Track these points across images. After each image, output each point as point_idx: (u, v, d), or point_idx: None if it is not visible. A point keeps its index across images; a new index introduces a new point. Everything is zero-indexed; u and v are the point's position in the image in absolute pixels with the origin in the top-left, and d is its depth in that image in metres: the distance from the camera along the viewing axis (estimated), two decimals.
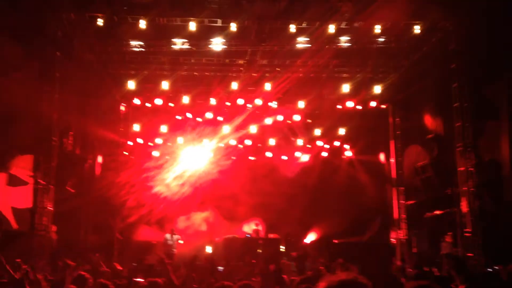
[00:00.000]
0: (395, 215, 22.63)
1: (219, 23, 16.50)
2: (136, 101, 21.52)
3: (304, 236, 23.90)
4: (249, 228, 22.92)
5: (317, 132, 23.68)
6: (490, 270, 13.81)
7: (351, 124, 23.12)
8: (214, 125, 23.53)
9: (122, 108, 22.83)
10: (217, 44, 17.74)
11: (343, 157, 25.07)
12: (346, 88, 20.81)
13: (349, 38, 17.63)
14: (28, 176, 17.34)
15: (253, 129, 23.12)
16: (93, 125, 20.84)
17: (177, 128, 23.48)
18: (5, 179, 17.06)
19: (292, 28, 16.71)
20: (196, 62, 19.52)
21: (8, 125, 16.88)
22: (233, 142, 24.17)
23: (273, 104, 22.55)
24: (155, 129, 23.48)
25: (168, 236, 20.23)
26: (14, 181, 17.23)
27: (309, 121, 23.45)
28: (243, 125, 23.42)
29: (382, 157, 24.03)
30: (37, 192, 15.84)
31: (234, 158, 24.52)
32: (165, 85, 20.33)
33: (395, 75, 20.59)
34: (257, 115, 23.35)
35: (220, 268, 13.14)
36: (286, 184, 23.86)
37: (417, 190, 21.92)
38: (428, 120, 20.84)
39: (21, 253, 15.12)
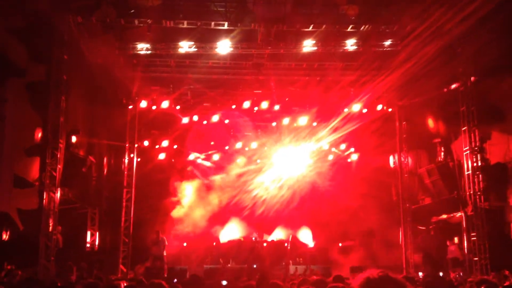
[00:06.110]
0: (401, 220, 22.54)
1: (226, 26, 16.53)
2: (143, 103, 21.56)
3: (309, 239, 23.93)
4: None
5: (323, 135, 23.65)
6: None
7: (357, 128, 23.04)
8: (221, 128, 23.63)
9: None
10: (224, 47, 17.78)
11: (349, 160, 25.07)
12: (352, 91, 20.79)
13: (355, 41, 17.62)
14: (34, 178, 17.40)
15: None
16: (100, 128, 20.88)
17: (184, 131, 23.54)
18: (11, 180, 17.12)
19: (299, 31, 16.75)
20: (202, 65, 19.56)
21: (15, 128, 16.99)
22: (239, 145, 24.26)
23: (278, 107, 22.54)
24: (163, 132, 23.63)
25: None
26: (20, 182, 17.28)
27: (315, 124, 23.41)
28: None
29: (389, 160, 23.97)
30: (43, 194, 15.86)
31: (239, 160, 24.58)
32: (171, 88, 20.39)
33: (401, 79, 20.53)
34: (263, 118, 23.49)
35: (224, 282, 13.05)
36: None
37: (423, 194, 21.87)
38: (435, 124, 20.80)
39: (29, 254, 15.27)
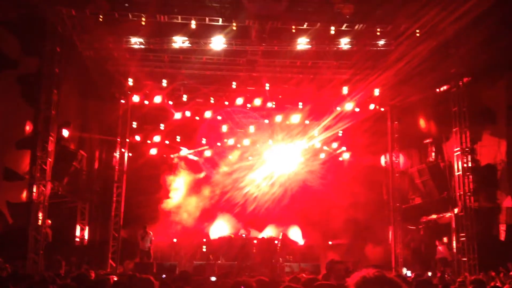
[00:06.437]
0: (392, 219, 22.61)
1: (220, 22, 16.48)
2: (135, 98, 21.45)
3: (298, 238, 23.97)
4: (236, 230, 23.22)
5: (315, 133, 23.67)
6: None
7: (349, 126, 23.10)
8: (213, 125, 23.56)
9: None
10: (218, 43, 17.71)
11: (340, 158, 25.11)
12: (345, 90, 20.84)
13: (349, 40, 17.62)
14: (25, 171, 17.29)
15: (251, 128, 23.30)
16: (92, 121, 20.75)
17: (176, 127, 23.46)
18: (1, 173, 17.00)
19: (293, 28, 16.73)
20: (196, 60, 19.49)
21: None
22: (231, 142, 24.23)
23: (272, 105, 22.51)
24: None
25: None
26: (10, 175, 17.17)
27: (307, 122, 23.42)
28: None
29: (380, 159, 24.04)
30: (33, 187, 15.78)
31: (231, 157, 24.54)
32: (164, 83, 20.31)
33: (394, 79, 20.61)
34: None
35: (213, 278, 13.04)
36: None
37: (414, 194, 21.95)
38: (427, 124, 20.88)
39: (17, 248, 15.18)
